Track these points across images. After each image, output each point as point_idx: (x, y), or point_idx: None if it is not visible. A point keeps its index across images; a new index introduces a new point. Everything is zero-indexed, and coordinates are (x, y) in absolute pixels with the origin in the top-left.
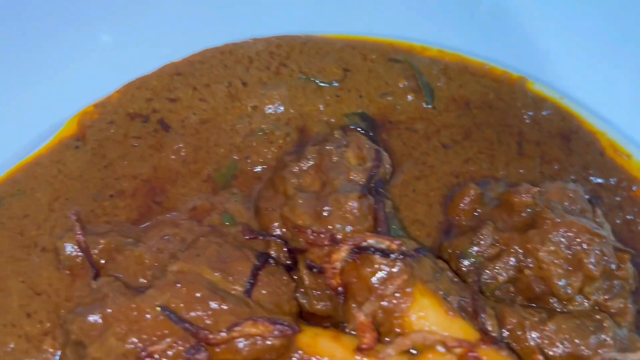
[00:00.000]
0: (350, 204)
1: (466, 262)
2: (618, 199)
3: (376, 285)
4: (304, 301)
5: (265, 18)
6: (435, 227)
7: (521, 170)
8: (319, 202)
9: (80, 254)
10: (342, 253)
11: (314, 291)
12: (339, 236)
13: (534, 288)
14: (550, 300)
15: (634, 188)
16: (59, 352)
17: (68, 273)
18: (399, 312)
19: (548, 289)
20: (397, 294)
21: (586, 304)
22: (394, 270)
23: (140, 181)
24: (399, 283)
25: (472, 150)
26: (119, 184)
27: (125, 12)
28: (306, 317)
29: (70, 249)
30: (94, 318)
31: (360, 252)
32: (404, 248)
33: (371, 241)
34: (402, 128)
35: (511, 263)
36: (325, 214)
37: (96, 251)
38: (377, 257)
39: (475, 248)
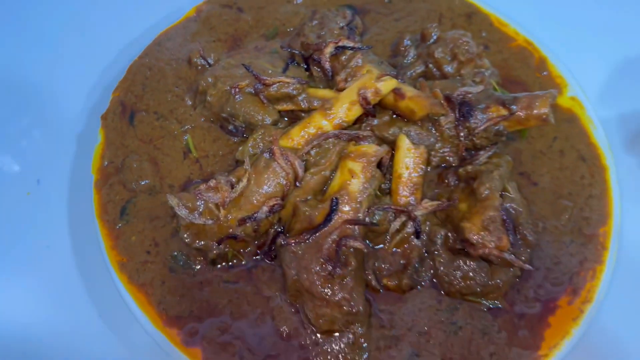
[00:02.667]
0: (338, 30)
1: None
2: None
3: (346, 62)
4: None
5: None
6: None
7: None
8: (320, 30)
9: (201, 61)
10: (329, 48)
11: (318, 79)
12: (329, 41)
13: (434, 75)
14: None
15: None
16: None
17: (194, 70)
18: (356, 74)
19: (441, 74)
20: (355, 67)
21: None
22: (356, 55)
23: (229, 36)
24: (357, 61)
25: (411, 15)
26: (216, 34)
27: None
28: None
29: (196, 54)
30: (209, 77)
31: (339, 47)
32: (360, 45)
33: (345, 42)
34: None
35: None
36: (323, 33)
37: (209, 59)
38: (347, 50)
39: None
